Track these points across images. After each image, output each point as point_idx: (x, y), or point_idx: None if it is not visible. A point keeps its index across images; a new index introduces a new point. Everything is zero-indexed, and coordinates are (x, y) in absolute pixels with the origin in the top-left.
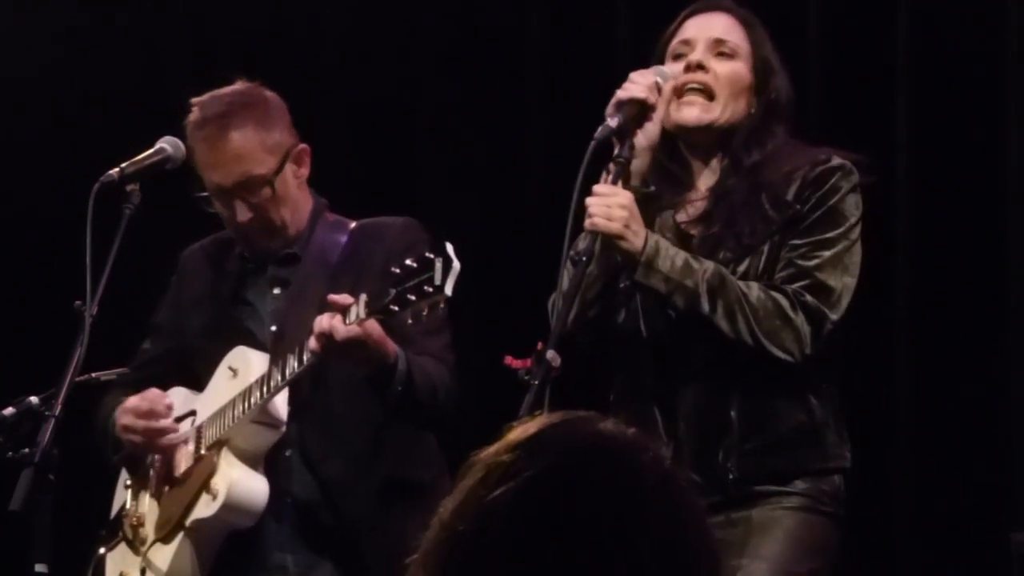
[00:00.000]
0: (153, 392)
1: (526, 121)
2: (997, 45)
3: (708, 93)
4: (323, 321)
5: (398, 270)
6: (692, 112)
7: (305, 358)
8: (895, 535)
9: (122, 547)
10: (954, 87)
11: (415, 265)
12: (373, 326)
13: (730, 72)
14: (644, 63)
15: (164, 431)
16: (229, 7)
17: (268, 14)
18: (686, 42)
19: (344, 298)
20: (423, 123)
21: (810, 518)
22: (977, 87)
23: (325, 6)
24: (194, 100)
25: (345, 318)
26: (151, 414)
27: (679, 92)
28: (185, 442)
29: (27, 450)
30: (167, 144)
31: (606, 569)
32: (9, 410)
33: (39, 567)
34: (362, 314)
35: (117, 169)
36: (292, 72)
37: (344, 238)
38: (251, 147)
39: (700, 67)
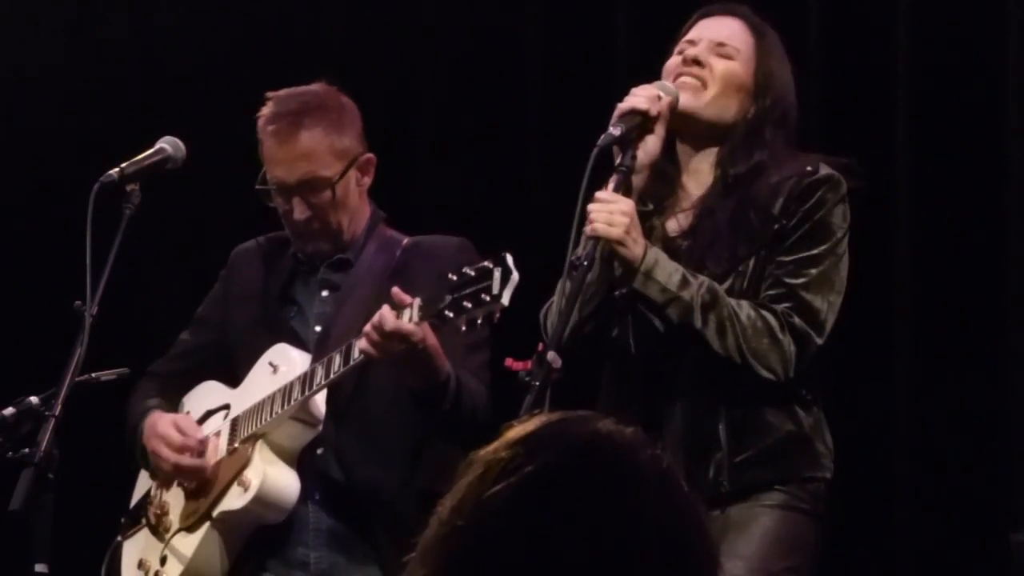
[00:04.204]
0: (187, 422)
1: (527, 126)
2: (997, 47)
3: (700, 84)
4: (376, 315)
5: (455, 277)
6: (682, 97)
7: (351, 358)
8: (895, 535)
9: (143, 534)
10: (954, 90)
11: (473, 273)
12: (427, 331)
13: (725, 69)
14: (644, 69)
15: (193, 469)
16: (229, 7)
17: (267, 15)
18: (691, 41)
19: (407, 296)
20: (423, 127)
21: (788, 515)
22: (977, 89)
23: (324, 7)
24: (270, 94)
25: (399, 315)
26: (183, 448)
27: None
28: (217, 435)
29: (27, 450)
30: (167, 144)
31: (604, 566)
32: (9, 410)
33: (39, 567)
34: (415, 317)
35: (117, 169)
36: (291, 73)
37: (397, 252)
38: (320, 148)
39: (696, 62)
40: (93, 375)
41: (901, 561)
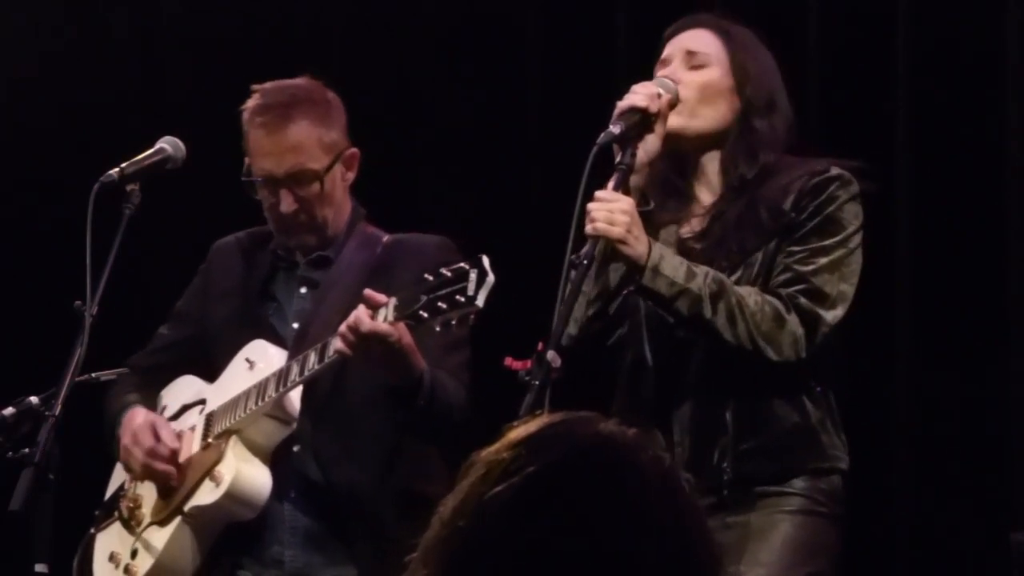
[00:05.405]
0: (164, 427)
1: (527, 125)
2: (997, 47)
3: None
4: (351, 315)
5: (431, 277)
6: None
7: (326, 356)
8: (895, 535)
9: (116, 527)
10: (954, 90)
11: (449, 274)
12: (403, 331)
13: (700, 80)
14: (644, 69)
15: (162, 475)
16: (229, 7)
17: (267, 14)
18: (663, 62)
19: (380, 297)
20: (423, 126)
21: (808, 520)
22: (977, 89)
23: (324, 7)
24: (255, 87)
25: (375, 316)
26: (153, 454)
27: None
28: (192, 429)
29: (27, 450)
30: (167, 144)
31: (606, 567)
32: (9, 410)
33: (39, 567)
34: (391, 317)
35: (117, 169)
36: (291, 72)
37: (377, 249)
38: (309, 141)
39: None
40: (93, 375)
41: (901, 561)
